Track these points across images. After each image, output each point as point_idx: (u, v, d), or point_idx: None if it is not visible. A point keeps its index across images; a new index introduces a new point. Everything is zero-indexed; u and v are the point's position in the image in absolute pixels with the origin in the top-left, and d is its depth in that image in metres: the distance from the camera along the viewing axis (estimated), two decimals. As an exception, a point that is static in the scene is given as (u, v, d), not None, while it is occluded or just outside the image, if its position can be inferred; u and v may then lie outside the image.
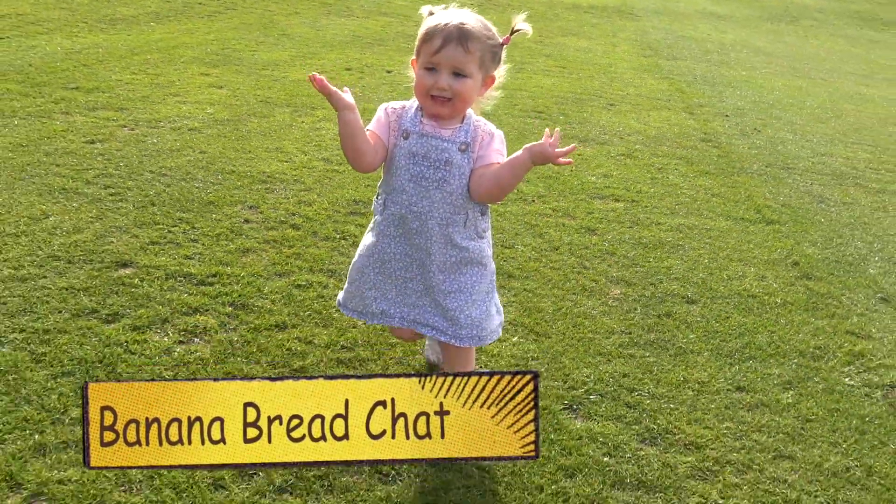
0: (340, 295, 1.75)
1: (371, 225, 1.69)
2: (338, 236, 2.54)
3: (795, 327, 2.24)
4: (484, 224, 1.67)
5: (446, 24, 1.53)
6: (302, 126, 3.67)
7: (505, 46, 1.60)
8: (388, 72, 5.11)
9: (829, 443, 1.75)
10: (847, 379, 2.01)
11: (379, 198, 1.67)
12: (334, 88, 1.51)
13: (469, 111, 1.61)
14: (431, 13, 1.58)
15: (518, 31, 1.60)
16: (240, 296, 2.11)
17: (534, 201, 3.01)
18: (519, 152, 1.53)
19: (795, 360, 2.07)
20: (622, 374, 1.92)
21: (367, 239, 1.68)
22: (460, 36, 1.51)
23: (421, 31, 1.57)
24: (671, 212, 3.02)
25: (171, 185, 2.81)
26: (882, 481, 1.64)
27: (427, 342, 1.95)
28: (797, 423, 1.81)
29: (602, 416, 1.76)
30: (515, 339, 2.06)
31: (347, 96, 1.53)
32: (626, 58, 6.77)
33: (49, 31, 5.18)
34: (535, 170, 2.78)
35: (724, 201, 3.20)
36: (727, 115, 4.85)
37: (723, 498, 1.55)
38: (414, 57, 1.60)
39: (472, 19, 1.56)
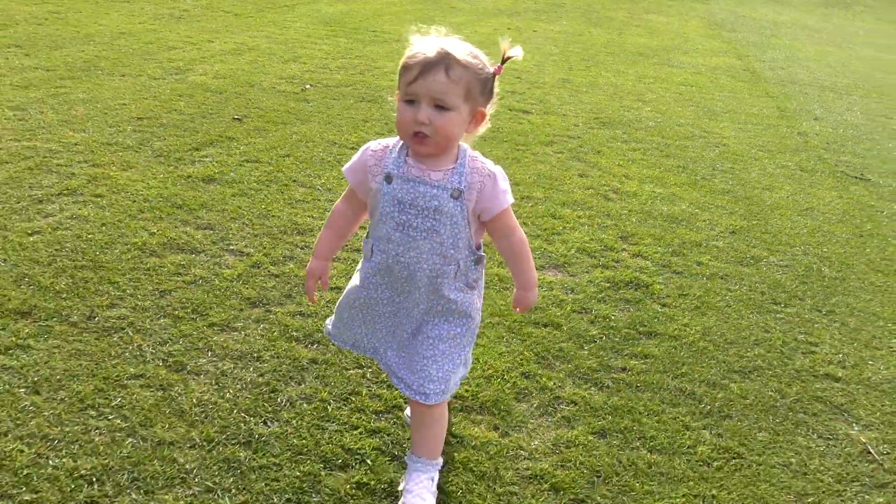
0: (329, 324, 1.79)
1: (360, 265, 1.70)
2: (554, 94, 5.78)
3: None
4: (476, 274, 1.66)
5: (426, 51, 1.49)
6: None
7: (497, 77, 1.55)
8: (535, 31, 8.40)
9: None
10: None
11: (367, 241, 1.67)
12: (315, 293, 1.74)
13: (464, 147, 1.58)
14: (417, 39, 1.54)
15: (509, 58, 1.57)
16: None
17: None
18: (518, 291, 1.68)
19: None
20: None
21: (355, 280, 1.70)
22: (440, 62, 1.47)
23: (401, 60, 1.52)
24: (716, 95, 6.18)
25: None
26: None
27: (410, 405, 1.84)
28: (763, 149, 4.99)
29: (684, 141, 4.96)
30: (646, 124, 5.26)
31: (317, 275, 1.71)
32: (696, 29, 9.94)
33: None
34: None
35: (746, 92, 6.35)
36: (763, 61, 7.98)
37: None
38: (398, 91, 1.54)
39: (456, 45, 1.51)
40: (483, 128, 1.58)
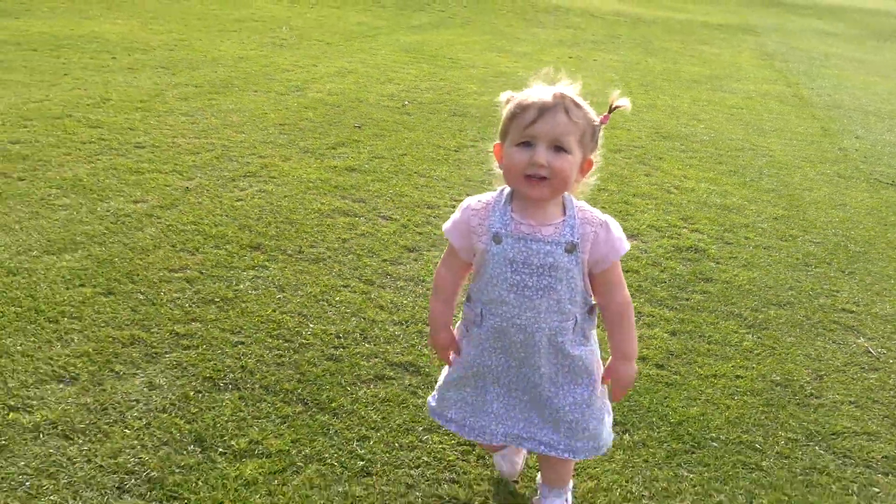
0: (432, 399, 1.79)
1: (464, 331, 1.71)
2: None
3: None
4: (590, 324, 1.66)
5: (541, 95, 1.51)
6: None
7: (603, 127, 1.57)
8: (595, 60, 9.37)
9: (816, 164, 5.75)
10: None
11: (473, 305, 1.67)
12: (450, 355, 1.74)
13: (569, 197, 1.59)
14: (510, 99, 1.56)
15: (617, 107, 1.59)
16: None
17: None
18: (615, 365, 1.65)
19: None
20: None
21: (463, 348, 1.71)
22: (559, 104, 1.49)
23: (508, 109, 1.55)
24: (765, 116, 7.02)
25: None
26: None
27: (501, 452, 1.94)
28: (806, 161, 5.82)
29: (735, 153, 5.83)
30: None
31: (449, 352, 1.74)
32: (748, 59, 10.79)
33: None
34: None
35: (793, 115, 7.17)
36: (811, 88, 8.79)
37: None
38: (498, 141, 1.57)
39: (569, 89, 1.54)
40: (590, 179, 1.60)
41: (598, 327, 1.72)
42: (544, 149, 1.48)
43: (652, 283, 3.20)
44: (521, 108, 1.51)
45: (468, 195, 1.68)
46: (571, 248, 1.54)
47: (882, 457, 2.20)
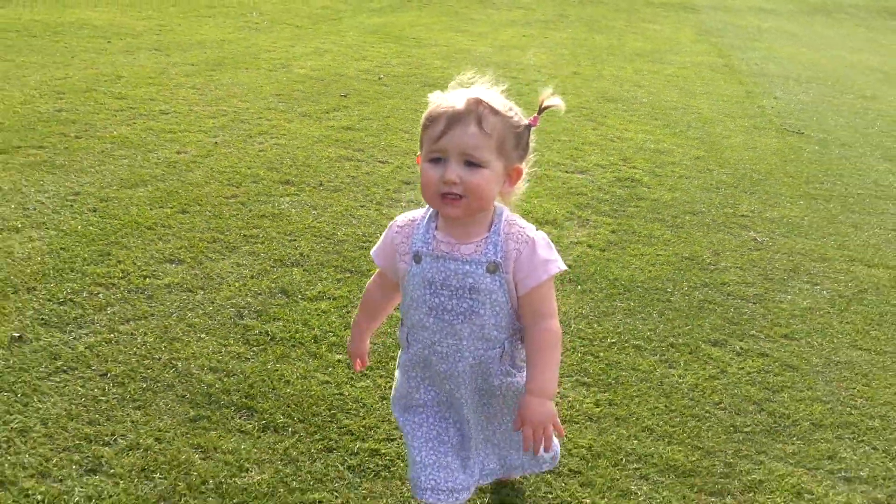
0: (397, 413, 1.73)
1: (399, 359, 1.68)
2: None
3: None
4: (521, 352, 1.60)
5: (453, 102, 1.43)
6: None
7: (532, 129, 1.49)
8: (546, 38, 10.43)
9: (738, 120, 6.91)
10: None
11: (402, 329, 1.63)
12: (360, 363, 1.81)
13: (500, 210, 1.52)
14: (439, 99, 1.48)
15: (547, 107, 1.51)
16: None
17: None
18: (526, 397, 1.51)
19: None
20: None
21: (397, 377, 1.68)
22: (470, 112, 1.41)
23: (423, 117, 1.47)
24: (697, 83, 8.16)
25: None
26: None
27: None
28: (730, 118, 6.98)
29: (670, 113, 6.96)
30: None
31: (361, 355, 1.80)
32: (687, 35, 12.01)
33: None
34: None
35: (722, 81, 8.33)
36: (741, 59, 10.01)
37: (703, 123, 6.72)
38: (419, 152, 1.49)
39: (488, 94, 1.46)
40: (520, 188, 1.52)
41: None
42: (455, 164, 1.41)
43: (597, 201, 4.24)
44: (430, 120, 1.44)
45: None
46: (493, 269, 1.46)
47: (753, 294, 3.27)
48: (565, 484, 2.04)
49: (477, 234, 1.50)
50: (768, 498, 2.07)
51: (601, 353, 2.71)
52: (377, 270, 1.70)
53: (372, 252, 1.66)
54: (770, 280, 3.44)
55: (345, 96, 6.06)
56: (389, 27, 9.95)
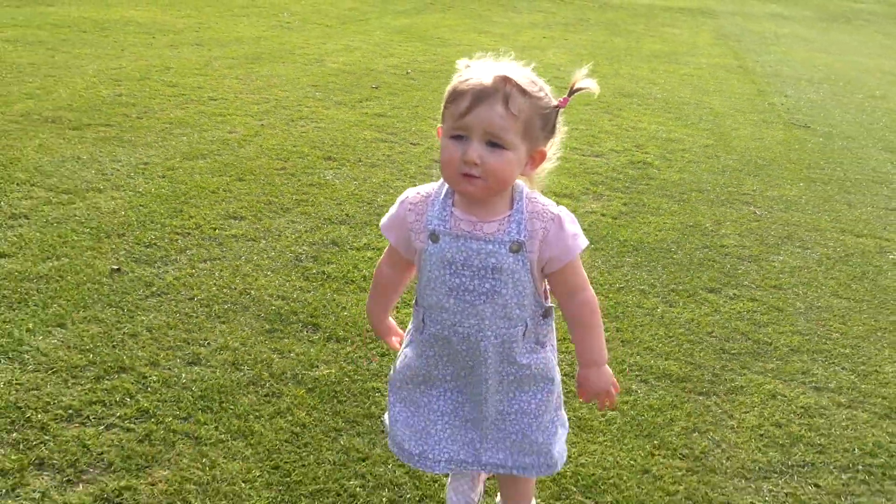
0: (385, 417, 1.73)
1: (409, 338, 1.65)
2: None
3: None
4: (546, 328, 1.60)
5: (480, 77, 1.40)
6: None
7: (561, 111, 1.47)
8: (565, 40, 10.92)
9: (749, 116, 7.36)
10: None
11: (417, 311, 1.61)
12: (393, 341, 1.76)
13: (520, 187, 1.51)
14: (468, 66, 1.46)
15: (579, 90, 1.49)
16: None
17: (656, 78, 8.72)
18: (582, 370, 1.59)
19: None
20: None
21: (408, 355, 1.64)
22: (499, 91, 1.38)
23: (447, 90, 1.44)
24: (711, 81, 8.61)
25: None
26: None
27: (451, 480, 1.89)
28: (741, 114, 7.42)
29: (683, 108, 7.41)
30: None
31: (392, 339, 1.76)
32: (704, 39, 12.46)
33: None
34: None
35: (735, 80, 8.77)
36: (756, 62, 10.45)
37: (714, 118, 7.17)
38: (440, 124, 1.47)
39: (517, 72, 1.43)
40: (545, 168, 1.52)
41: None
42: (478, 144, 1.39)
43: (611, 180, 4.71)
44: (456, 94, 1.42)
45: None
46: (517, 248, 1.46)
47: (748, 254, 3.72)
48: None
49: (499, 213, 1.48)
50: (747, 398, 2.52)
51: (610, 295, 3.17)
52: (387, 248, 1.66)
53: (381, 226, 1.60)
54: (765, 244, 3.88)
55: (376, 88, 6.57)
56: (414, 28, 10.48)
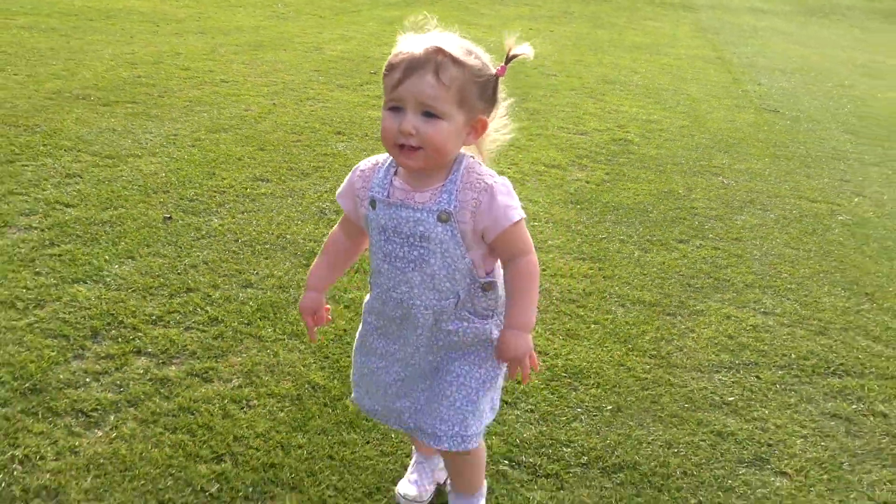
0: (352, 375, 1.82)
1: (364, 302, 1.72)
2: (571, 69, 8.86)
3: (726, 91, 8.47)
4: (487, 301, 1.63)
5: (412, 49, 1.44)
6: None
7: (500, 79, 1.51)
8: (551, 31, 11.50)
9: (724, 102, 7.97)
10: (736, 97, 8.24)
11: (370, 273, 1.67)
12: (315, 330, 1.76)
13: (462, 158, 1.54)
14: (405, 38, 1.50)
15: (516, 56, 1.52)
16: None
17: (638, 67, 9.33)
18: (503, 332, 1.59)
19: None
20: (669, 92, 8.18)
21: (364, 319, 1.73)
22: (429, 61, 1.42)
23: (385, 63, 1.47)
24: (689, 71, 9.22)
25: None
26: (734, 106, 7.85)
27: (403, 481, 1.98)
28: (717, 100, 8.04)
29: (662, 95, 8.01)
30: (637, 86, 8.34)
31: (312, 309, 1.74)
32: (685, 32, 13.10)
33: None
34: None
35: (713, 70, 9.39)
36: (734, 53, 11.08)
37: (691, 103, 7.78)
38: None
39: (450, 41, 1.47)
40: (496, 140, 1.56)
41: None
42: (412, 115, 1.43)
43: (594, 154, 5.27)
44: (391, 67, 1.46)
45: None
46: (446, 218, 1.49)
47: (715, 214, 4.30)
48: (567, 308, 3.05)
49: (433, 183, 1.52)
50: (706, 318, 3.09)
51: (594, 243, 3.73)
52: (341, 216, 1.72)
53: (336, 194, 1.69)
54: (729, 207, 4.47)
55: (374, 73, 7.09)
56: (404, 19, 11.00)
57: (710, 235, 3.99)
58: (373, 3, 12.45)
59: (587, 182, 4.65)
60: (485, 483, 1.92)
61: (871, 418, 2.55)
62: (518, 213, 1.52)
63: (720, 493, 2.12)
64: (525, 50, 1.53)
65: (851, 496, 2.17)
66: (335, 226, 1.77)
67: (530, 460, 2.17)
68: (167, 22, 8.58)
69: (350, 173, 1.64)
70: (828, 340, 3.02)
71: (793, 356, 2.88)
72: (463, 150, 1.56)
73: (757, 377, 2.72)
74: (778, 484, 2.19)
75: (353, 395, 1.82)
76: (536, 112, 6.21)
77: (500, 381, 1.71)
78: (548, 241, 3.70)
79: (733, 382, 2.68)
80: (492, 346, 1.64)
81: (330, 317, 1.82)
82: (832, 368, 2.82)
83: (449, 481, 1.92)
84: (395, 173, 1.56)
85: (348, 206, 1.64)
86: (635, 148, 5.53)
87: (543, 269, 3.34)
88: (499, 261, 1.63)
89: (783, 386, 2.69)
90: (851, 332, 3.11)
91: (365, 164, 1.62)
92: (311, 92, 6.14)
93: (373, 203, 1.55)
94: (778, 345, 2.95)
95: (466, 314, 1.61)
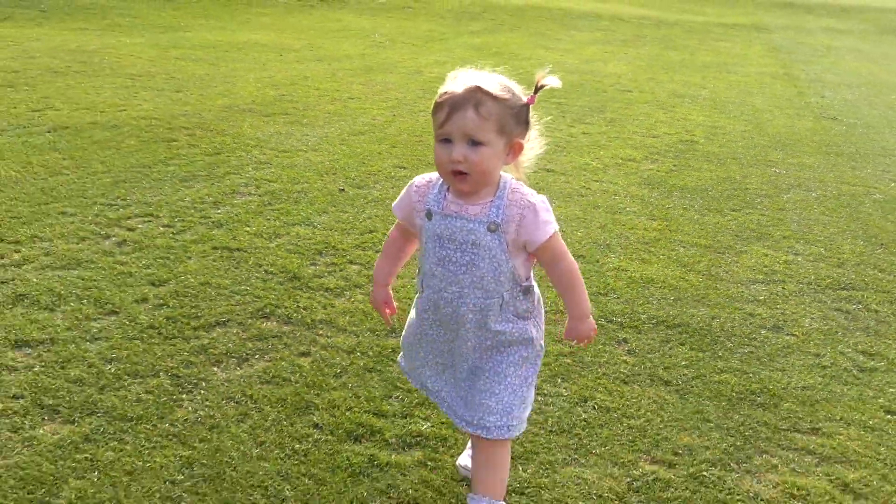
0: (401, 360, 2.20)
1: (415, 300, 2.07)
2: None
3: (790, 103, 9.54)
4: (527, 304, 1.97)
5: (454, 89, 1.82)
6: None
7: (531, 106, 1.85)
8: (625, 54, 12.74)
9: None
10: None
11: (419, 277, 2.01)
12: (388, 317, 2.15)
13: (506, 179, 1.88)
14: (455, 78, 1.88)
15: (543, 87, 1.87)
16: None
17: (707, 84, 10.48)
18: (570, 322, 1.99)
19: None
20: (735, 104, 9.31)
21: (412, 313, 2.08)
22: (469, 99, 1.78)
23: (433, 103, 1.86)
24: (756, 86, 10.31)
25: (582, 76, 10.50)
26: (796, 115, 8.93)
27: (463, 455, 2.30)
28: (780, 111, 9.13)
29: (729, 107, 9.15)
30: (706, 100, 9.49)
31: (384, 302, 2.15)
32: (756, 52, 14.16)
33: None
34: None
35: (779, 85, 10.44)
36: (802, 70, 12.09)
37: (756, 114, 8.89)
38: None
39: (486, 80, 1.82)
40: (526, 157, 1.90)
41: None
42: (460, 145, 1.78)
43: (665, 151, 6.47)
44: (437, 107, 1.84)
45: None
46: (494, 228, 1.82)
47: (765, 194, 5.44)
48: (641, 247, 4.26)
49: (484, 197, 1.86)
50: (748, 256, 4.29)
51: (662, 210, 4.97)
52: (396, 222, 2.09)
53: (393, 206, 2.04)
54: (778, 188, 5.62)
55: (471, 91, 8.47)
56: (489, 46, 12.45)
57: (759, 206, 5.15)
58: (456, 31, 13.97)
59: (657, 171, 5.87)
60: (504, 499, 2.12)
61: (866, 312, 3.70)
62: (553, 227, 1.88)
63: (746, 340, 3.31)
64: (552, 81, 1.91)
65: (839, 348, 3.32)
66: (391, 231, 2.18)
67: (618, 320, 3.41)
68: (288, 51, 10.20)
69: (406, 189, 2.00)
70: (843, 270, 4.16)
71: (813, 277, 4.03)
72: (502, 172, 1.91)
73: (783, 287, 3.89)
74: (788, 339, 3.36)
75: (403, 365, 2.21)
76: (613, 120, 7.45)
77: (536, 380, 2.09)
78: (626, 208, 4.93)
79: (764, 290, 3.85)
80: (532, 345, 2.00)
81: (395, 307, 2.22)
82: (842, 285, 3.97)
83: (472, 489, 2.07)
84: (448, 189, 1.91)
85: (402, 215, 2.02)
86: (700, 146, 6.71)
87: (621, 226, 4.57)
88: (531, 271, 2.02)
89: (802, 293, 3.85)
90: (863, 266, 4.25)
91: (419, 180, 1.99)
92: (422, 105, 7.54)
93: (429, 214, 1.90)
94: (803, 272, 4.11)
95: (511, 316, 1.95)
